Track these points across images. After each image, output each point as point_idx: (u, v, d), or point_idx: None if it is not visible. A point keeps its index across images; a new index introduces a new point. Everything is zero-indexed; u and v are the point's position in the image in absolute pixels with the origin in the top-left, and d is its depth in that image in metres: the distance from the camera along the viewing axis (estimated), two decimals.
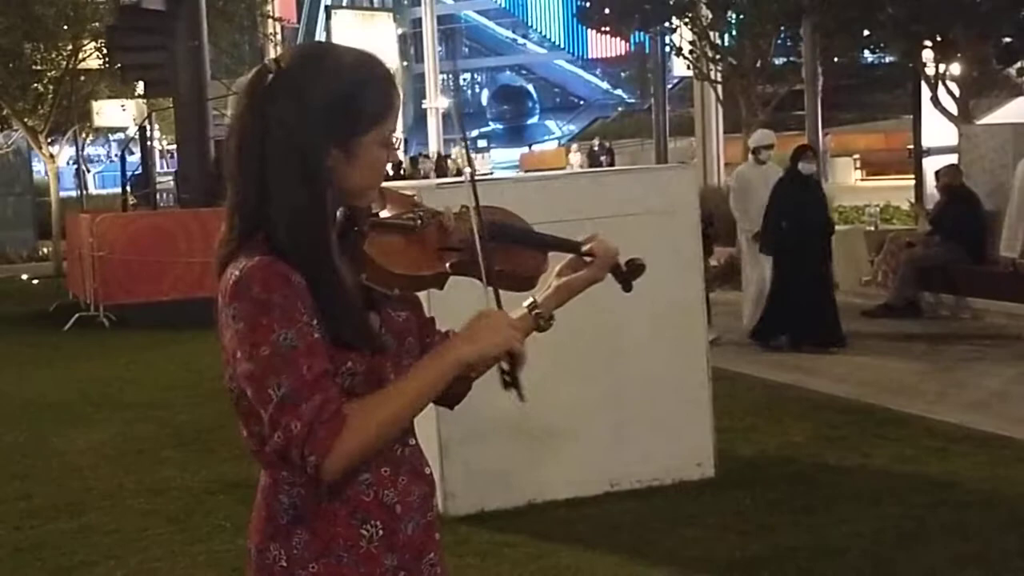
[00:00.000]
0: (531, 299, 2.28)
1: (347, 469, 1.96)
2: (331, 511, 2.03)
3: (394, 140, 2.09)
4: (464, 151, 2.56)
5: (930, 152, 15.56)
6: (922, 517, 5.85)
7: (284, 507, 2.05)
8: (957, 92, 14.19)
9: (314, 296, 1.97)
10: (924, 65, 14.47)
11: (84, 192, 30.00)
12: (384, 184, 2.16)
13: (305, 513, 2.03)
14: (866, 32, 15.73)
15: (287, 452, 1.93)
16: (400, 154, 28.92)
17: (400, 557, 2.09)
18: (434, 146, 46.10)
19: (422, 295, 2.22)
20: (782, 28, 16.40)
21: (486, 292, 2.10)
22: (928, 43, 14.15)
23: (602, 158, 32.00)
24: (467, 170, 2.19)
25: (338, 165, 2.02)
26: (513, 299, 2.24)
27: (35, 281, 19.79)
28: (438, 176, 30.37)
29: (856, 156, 37.57)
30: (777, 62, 16.91)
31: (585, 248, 2.30)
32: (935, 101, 14.24)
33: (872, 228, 13.61)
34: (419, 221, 2.12)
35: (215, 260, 2.05)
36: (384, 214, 2.12)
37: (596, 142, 34.35)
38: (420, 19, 55.57)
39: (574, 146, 40.52)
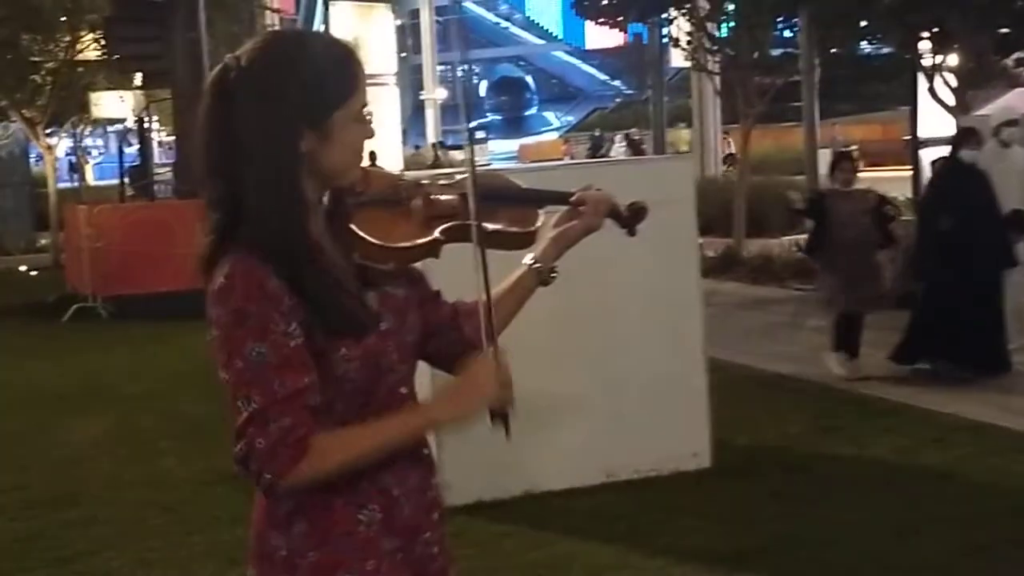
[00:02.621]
0: (530, 255, 2.29)
1: (296, 492, 1.99)
2: (328, 499, 2.04)
3: (367, 114, 2.09)
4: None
5: (927, 143, 15.54)
6: (919, 507, 5.87)
7: (283, 497, 2.05)
8: (954, 83, 14.16)
9: (298, 290, 1.97)
10: (921, 56, 14.44)
11: (82, 184, 29.94)
12: (366, 166, 2.18)
13: (303, 502, 2.04)
14: (863, 23, 15.71)
15: (247, 463, 1.96)
16: (401, 144, 28.92)
17: (399, 539, 2.11)
18: (432, 137, 46.06)
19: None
20: (779, 19, 16.39)
21: (476, 253, 2.09)
22: (925, 34, 14.12)
23: (643, 147, 31.64)
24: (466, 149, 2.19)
25: (314, 148, 2.02)
26: (514, 257, 2.28)
27: (33, 273, 19.80)
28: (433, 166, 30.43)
29: (854, 147, 37.58)
30: (774, 53, 16.87)
31: (575, 198, 2.31)
32: (932, 92, 14.21)
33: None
34: (404, 193, 2.14)
35: (199, 258, 2.05)
36: (369, 192, 2.13)
37: (633, 132, 33.77)
38: (418, 10, 55.56)
39: (618, 137, 40.25)
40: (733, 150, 26.02)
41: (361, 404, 2.06)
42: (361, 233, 2.06)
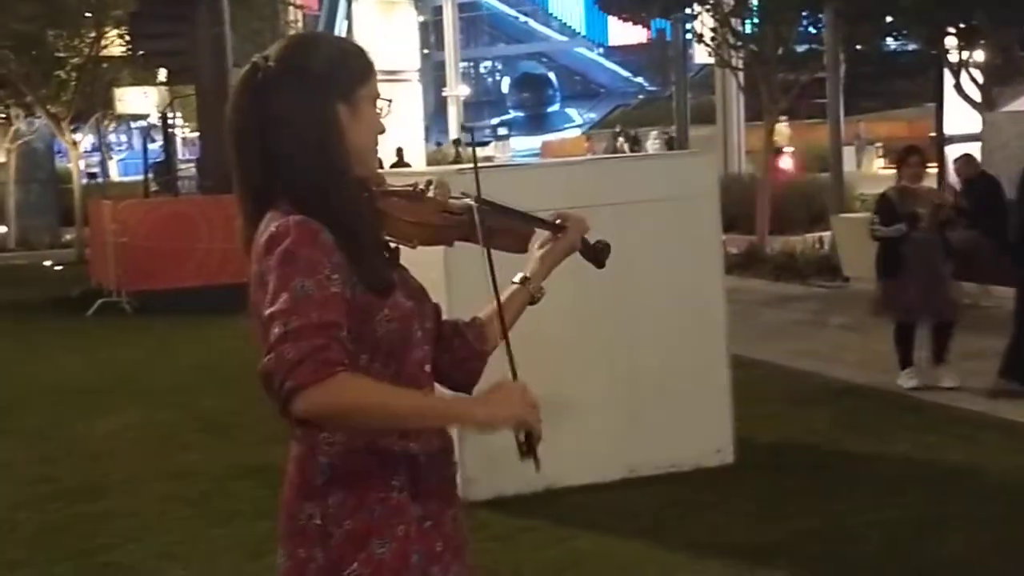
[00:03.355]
0: (522, 274, 2.47)
1: (313, 416, 1.99)
2: (366, 465, 2.13)
3: (382, 105, 2.24)
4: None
5: (953, 140, 15.48)
6: (943, 504, 5.84)
7: (322, 468, 2.14)
8: (980, 79, 14.11)
9: (344, 248, 2.08)
10: (947, 52, 14.38)
11: (106, 179, 30.12)
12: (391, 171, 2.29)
13: (342, 471, 2.13)
14: (889, 19, 15.65)
15: (272, 376, 1.97)
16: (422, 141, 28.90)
17: (425, 507, 2.19)
18: (454, 134, 46.09)
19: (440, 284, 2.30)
20: (804, 15, 16.32)
21: (483, 252, 2.23)
22: (951, 30, 14.06)
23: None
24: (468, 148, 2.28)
25: (347, 124, 2.17)
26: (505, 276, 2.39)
27: (58, 267, 19.90)
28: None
29: (879, 144, 37.41)
30: (799, 49, 16.80)
31: (558, 221, 2.48)
32: (958, 88, 14.16)
33: None
34: (420, 188, 2.29)
35: (238, 239, 2.21)
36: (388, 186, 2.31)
37: (672, 129, 33.32)
38: (440, 7, 55.58)
39: (653, 133, 39.91)
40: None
41: (395, 371, 2.16)
42: (388, 211, 2.20)
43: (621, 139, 40.48)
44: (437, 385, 2.36)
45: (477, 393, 2.22)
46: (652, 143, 36.61)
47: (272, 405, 2.00)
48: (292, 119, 2.13)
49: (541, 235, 2.49)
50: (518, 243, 2.42)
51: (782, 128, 27.32)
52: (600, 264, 2.57)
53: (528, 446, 2.17)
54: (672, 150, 28.49)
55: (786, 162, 25.95)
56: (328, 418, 2.01)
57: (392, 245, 2.25)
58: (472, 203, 2.29)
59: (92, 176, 30.97)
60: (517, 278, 2.45)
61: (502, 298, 2.35)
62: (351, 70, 2.19)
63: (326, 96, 2.15)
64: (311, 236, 2.06)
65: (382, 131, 2.24)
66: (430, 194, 2.28)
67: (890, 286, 8.35)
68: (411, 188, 2.28)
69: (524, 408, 2.13)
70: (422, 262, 2.42)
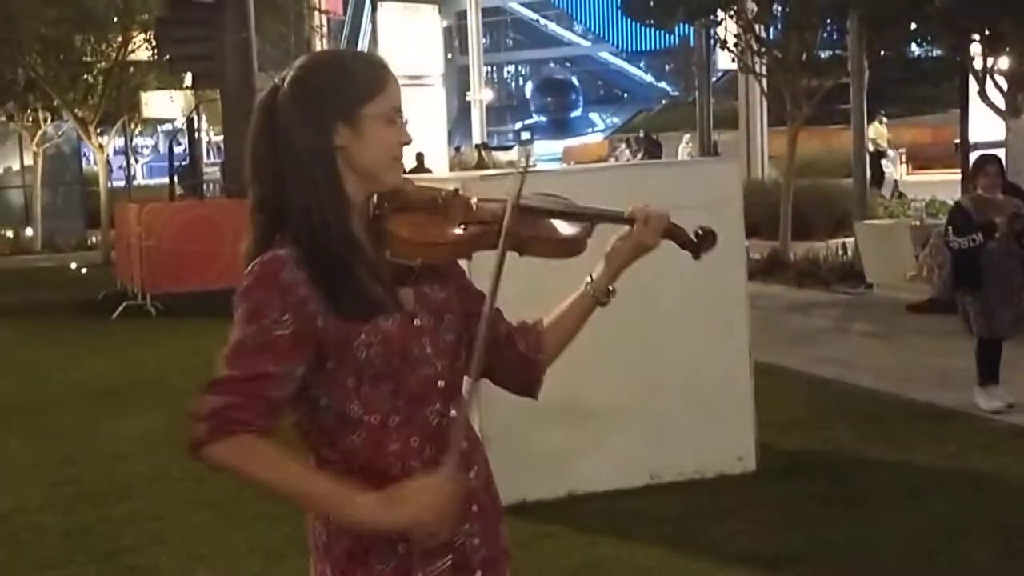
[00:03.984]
0: (588, 276, 2.35)
1: (214, 469, 2.08)
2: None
3: (401, 119, 2.20)
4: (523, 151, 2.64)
5: (977, 147, 15.39)
6: (966, 513, 5.83)
7: None
8: (1005, 86, 14.02)
9: (323, 278, 2.09)
10: (972, 59, 14.31)
11: (131, 182, 30.27)
12: (411, 176, 2.25)
13: None
14: (913, 25, 15.57)
15: (193, 418, 2.07)
16: (445, 145, 28.91)
17: None
18: (477, 138, 46.11)
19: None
20: (828, 21, 16.27)
21: (496, 258, 2.17)
22: (976, 36, 13.99)
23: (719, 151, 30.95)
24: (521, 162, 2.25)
25: (348, 144, 2.14)
26: (573, 275, 2.30)
27: (84, 270, 20.00)
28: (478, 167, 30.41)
29: (902, 150, 37.26)
30: (823, 55, 16.74)
31: (627, 214, 2.34)
32: (983, 95, 14.08)
33: (918, 223, 13.50)
34: (441, 200, 2.22)
35: (243, 258, 2.19)
36: (409, 197, 2.23)
37: (718, 136, 32.79)
38: (464, 11, 55.64)
39: (686, 137, 39.18)
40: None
41: (392, 391, 2.14)
42: (392, 230, 2.16)
43: (623, 146, 39.95)
44: (494, 388, 2.36)
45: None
46: (683, 147, 36.36)
47: None
48: (292, 143, 2.14)
49: (619, 231, 2.35)
50: (567, 245, 2.29)
51: (880, 128, 26.89)
52: (698, 256, 2.44)
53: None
54: (713, 155, 28.38)
55: (890, 167, 25.25)
56: (226, 471, 2.08)
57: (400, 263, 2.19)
58: (503, 215, 2.20)
59: (131, 179, 31.11)
60: (586, 279, 2.36)
61: (564, 305, 2.35)
62: (354, 90, 2.16)
63: (321, 118, 2.14)
64: (271, 276, 2.09)
65: (406, 142, 2.21)
66: (458, 201, 2.23)
67: (976, 301, 7.95)
68: (433, 199, 2.23)
69: (428, 512, 2.05)
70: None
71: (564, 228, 2.30)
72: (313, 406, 2.16)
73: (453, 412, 2.22)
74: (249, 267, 2.12)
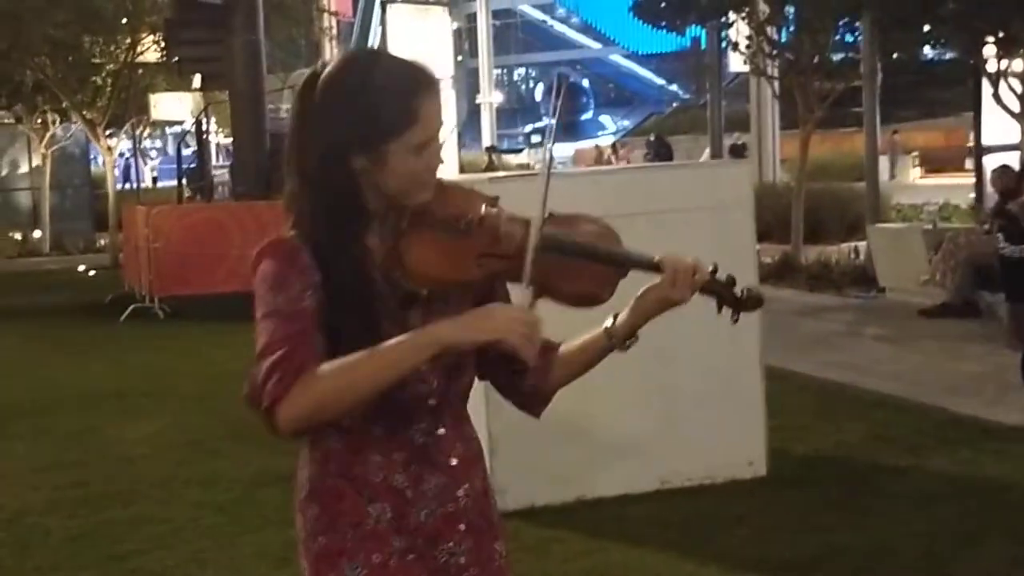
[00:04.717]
0: (611, 319, 2.24)
1: (297, 429, 2.00)
2: (338, 488, 2.12)
3: (436, 143, 2.10)
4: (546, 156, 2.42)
5: (991, 150, 15.35)
6: (979, 519, 5.77)
7: (303, 482, 2.19)
8: (1019, 89, 13.95)
9: (326, 286, 2.07)
10: (985, 61, 14.25)
11: (139, 185, 30.30)
12: (450, 179, 2.18)
13: (316, 487, 2.15)
14: (926, 27, 15.51)
15: (253, 400, 2.01)
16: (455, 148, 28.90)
17: (411, 540, 2.13)
18: (487, 141, 46.12)
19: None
20: (841, 23, 16.21)
21: (524, 290, 2.07)
22: (990, 39, 13.93)
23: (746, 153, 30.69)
24: (541, 183, 2.13)
25: (368, 169, 2.08)
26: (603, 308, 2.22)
27: (92, 272, 20.01)
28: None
29: (915, 154, 37.18)
30: (835, 58, 16.67)
31: (657, 261, 2.21)
32: (996, 98, 14.02)
33: (930, 227, 13.43)
34: (464, 226, 2.09)
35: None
36: (436, 215, 2.11)
37: (738, 136, 32.45)
38: (475, 14, 55.67)
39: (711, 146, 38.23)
40: None
41: (377, 404, 2.06)
42: (403, 254, 2.06)
43: (609, 151, 39.71)
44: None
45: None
46: (706, 152, 36.11)
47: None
48: (311, 147, 2.10)
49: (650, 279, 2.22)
50: (588, 298, 2.16)
51: None
52: (737, 318, 2.29)
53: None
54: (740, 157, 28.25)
55: None
56: (311, 417, 1.99)
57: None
58: (532, 245, 2.06)
59: (155, 181, 31.16)
60: (608, 322, 2.26)
61: (581, 341, 2.27)
62: (380, 125, 2.06)
63: (337, 145, 2.07)
64: (289, 255, 2.07)
65: (435, 167, 2.12)
66: (485, 225, 2.09)
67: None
68: (458, 220, 2.09)
69: (508, 324, 2.00)
70: None
71: (590, 276, 2.15)
72: None
73: (441, 431, 2.17)
74: (261, 247, 2.10)
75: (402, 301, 2.11)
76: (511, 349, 2.01)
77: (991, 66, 14.01)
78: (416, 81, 2.10)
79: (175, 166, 24.34)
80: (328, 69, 2.13)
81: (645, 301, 2.24)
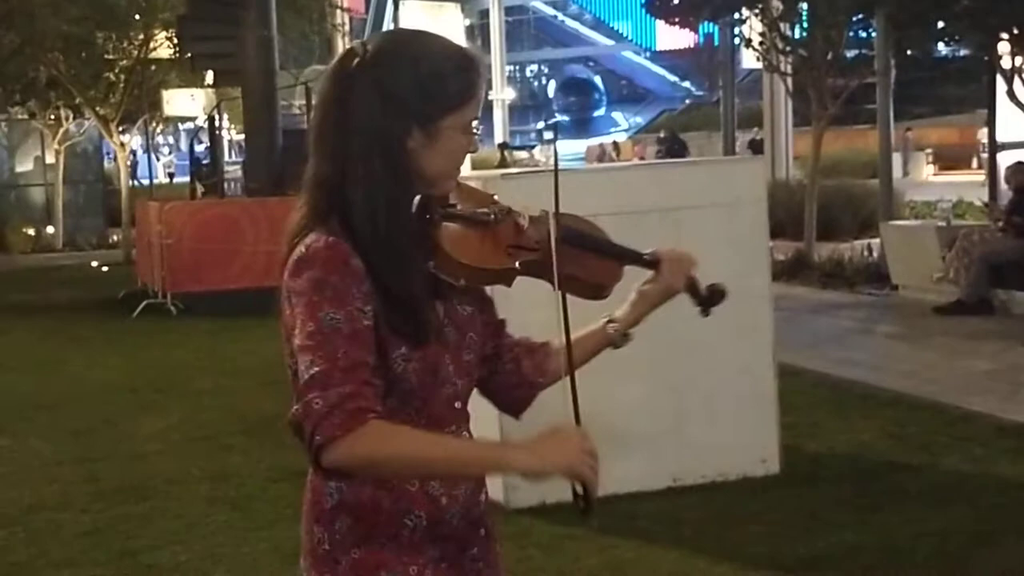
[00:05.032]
0: (607, 315, 2.27)
1: (343, 469, 1.90)
2: (375, 499, 2.02)
3: (476, 130, 2.08)
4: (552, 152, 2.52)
5: (1005, 147, 15.28)
6: (992, 517, 5.75)
7: (330, 491, 2.05)
8: None
9: (374, 280, 1.96)
10: (1000, 58, 14.19)
11: (152, 181, 30.36)
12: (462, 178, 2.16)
13: (349, 499, 2.03)
14: (940, 24, 15.45)
15: (301, 425, 1.89)
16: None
17: (444, 548, 2.08)
18: (500, 138, 46.13)
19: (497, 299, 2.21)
20: (855, 20, 16.16)
21: (557, 296, 2.07)
22: (1004, 36, 13.87)
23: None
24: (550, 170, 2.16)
25: (418, 148, 2.02)
26: (591, 311, 2.23)
27: (104, 268, 20.06)
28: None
29: (928, 151, 37.07)
30: (849, 54, 16.62)
31: (652, 257, 2.28)
32: (1011, 95, 13.95)
33: (944, 224, 13.39)
34: (494, 216, 2.11)
35: (286, 234, 2.05)
36: (460, 207, 2.11)
37: (757, 131, 32.04)
38: (487, 10, 55.65)
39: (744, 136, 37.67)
40: None
41: (416, 408, 2.04)
42: (441, 244, 2.03)
43: (610, 147, 39.41)
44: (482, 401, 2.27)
45: (534, 433, 2.01)
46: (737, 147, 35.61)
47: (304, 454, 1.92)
48: (362, 127, 2.00)
49: (643, 274, 2.28)
50: (596, 291, 2.20)
51: None
52: (707, 312, 2.37)
53: (585, 500, 2.00)
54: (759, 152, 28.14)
55: None
56: (359, 469, 1.91)
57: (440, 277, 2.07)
58: (549, 238, 2.08)
59: (171, 177, 31.21)
60: (605, 317, 2.28)
61: (579, 334, 2.22)
62: (441, 96, 2.02)
63: (397, 119, 2.00)
64: (341, 261, 1.95)
65: (474, 151, 2.09)
66: (508, 219, 2.11)
67: None
68: (484, 213, 2.10)
69: (579, 457, 1.97)
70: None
71: (600, 268, 2.20)
72: None
73: (465, 433, 2.13)
74: (305, 248, 1.96)
75: (435, 292, 2.07)
76: (582, 482, 2.00)
77: (1006, 63, 13.95)
78: (469, 57, 2.09)
79: (187, 162, 24.38)
80: (377, 43, 2.05)
81: (648, 296, 2.29)
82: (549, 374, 2.26)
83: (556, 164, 2.30)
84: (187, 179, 23.93)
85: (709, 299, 2.34)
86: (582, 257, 2.18)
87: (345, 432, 1.85)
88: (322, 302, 1.92)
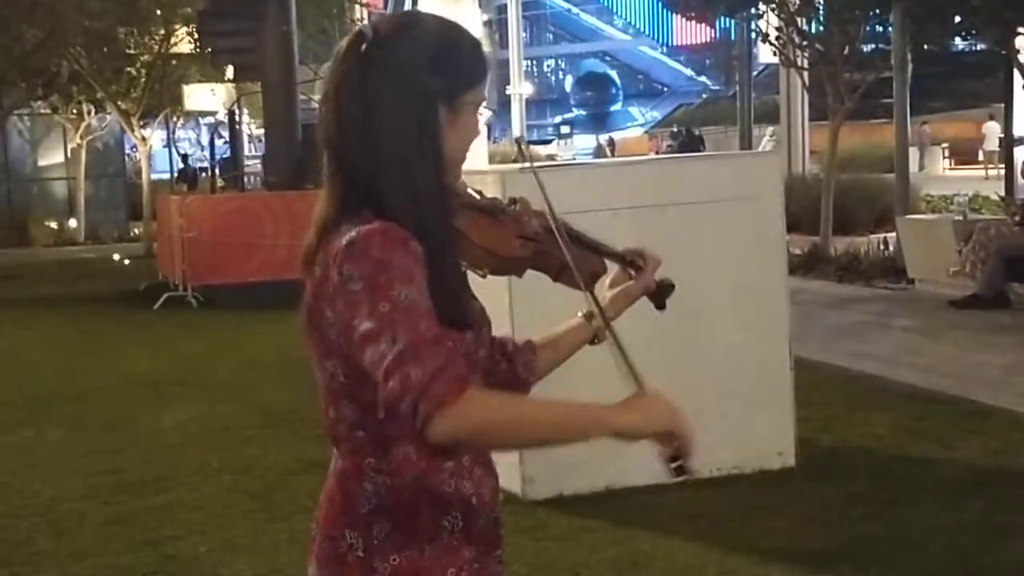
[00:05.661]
0: (586, 309, 2.28)
1: (451, 440, 1.82)
2: (415, 502, 1.97)
3: (483, 111, 2.07)
4: (523, 148, 2.58)
5: (1022, 141, 15.26)
6: (1009, 511, 5.76)
7: (367, 495, 1.98)
8: None
9: (428, 268, 1.89)
10: (1017, 52, 14.17)
11: (174, 174, 30.50)
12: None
13: (388, 503, 1.97)
14: (958, 18, 15.44)
15: (399, 401, 1.80)
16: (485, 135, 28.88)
17: (477, 549, 2.04)
18: (517, 132, 46.11)
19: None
20: (871, 14, 16.15)
21: (585, 295, 2.12)
22: (1021, 30, 13.86)
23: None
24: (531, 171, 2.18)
25: (443, 127, 1.97)
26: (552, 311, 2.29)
27: (126, 261, 20.16)
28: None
29: (945, 145, 36.94)
30: (865, 49, 16.60)
31: (631, 257, 2.31)
32: None
33: (960, 218, 13.37)
34: (508, 206, 2.13)
35: (312, 228, 1.98)
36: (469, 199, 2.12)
37: (770, 132, 31.78)
38: (505, 5, 55.62)
39: (769, 130, 35.66)
40: None
41: None
42: (466, 232, 2.01)
43: (605, 145, 39.19)
44: None
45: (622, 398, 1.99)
46: (767, 141, 35.42)
47: (414, 428, 1.82)
48: (393, 111, 1.93)
49: (612, 270, 2.30)
50: (592, 273, 2.23)
51: None
52: (661, 306, 2.37)
53: (680, 460, 2.03)
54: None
55: None
56: (466, 439, 1.84)
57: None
58: (552, 226, 2.10)
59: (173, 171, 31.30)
60: (583, 312, 2.27)
61: (561, 329, 2.26)
62: (462, 71, 1.99)
63: (430, 99, 1.95)
64: (400, 241, 1.86)
65: (477, 135, 2.05)
66: (511, 214, 2.11)
67: None
68: (493, 202, 2.10)
69: (676, 415, 1.97)
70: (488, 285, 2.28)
71: (591, 262, 2.23)
72: (374, 406, 1.90)
73: None
74: (356, 232, 1.87)
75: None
76: (680, 439, 2.01)
77: (1023, 57, 13.93)
78: (473, 36, 2.07)
79: (208, 157, 24.47)
80: (389, 26, 2.00)
81: (627, 294, 2.32)
82: (537, 372, 2.26)
83: (532, 162, 2.33)
84: (209, 175, 23.99)
85: (662, 294, 2.37)
86: (575, 252, 2.19)
87: (455, 398, 1.79)
88: (392, 281, 1.83)
